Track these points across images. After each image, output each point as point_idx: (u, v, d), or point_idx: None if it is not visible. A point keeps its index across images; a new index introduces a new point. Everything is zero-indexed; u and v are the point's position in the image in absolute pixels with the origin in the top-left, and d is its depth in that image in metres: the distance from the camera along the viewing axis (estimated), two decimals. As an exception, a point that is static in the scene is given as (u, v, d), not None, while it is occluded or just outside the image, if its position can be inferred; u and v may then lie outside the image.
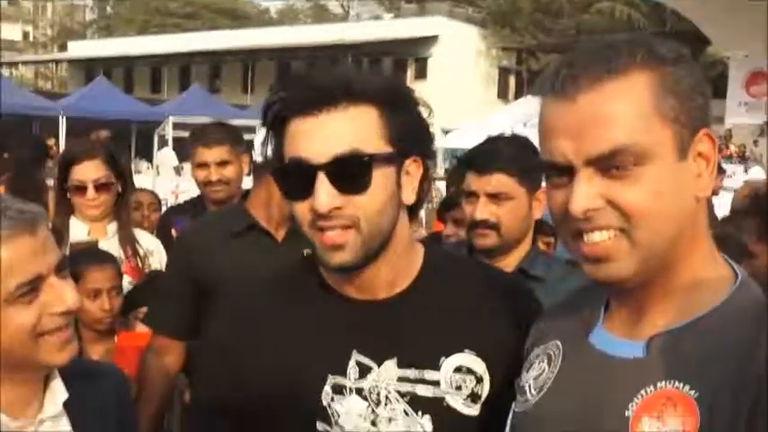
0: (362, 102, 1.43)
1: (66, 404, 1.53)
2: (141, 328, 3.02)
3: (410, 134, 1.48)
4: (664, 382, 1.13)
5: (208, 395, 1.66)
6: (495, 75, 38.44)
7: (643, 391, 1.14)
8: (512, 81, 38.59)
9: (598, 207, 1.16)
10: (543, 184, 2.25)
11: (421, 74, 35.96)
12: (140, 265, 3.31)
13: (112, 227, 3.33)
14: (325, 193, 1.40)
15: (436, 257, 1.61)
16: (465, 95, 34.27)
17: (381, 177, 1.43)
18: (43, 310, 1.41)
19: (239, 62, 40.41)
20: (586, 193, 1.16)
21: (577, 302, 1.38)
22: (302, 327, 1.54)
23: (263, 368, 1.52)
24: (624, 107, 1.14)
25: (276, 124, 1.48)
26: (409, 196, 1.51)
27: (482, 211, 2.42)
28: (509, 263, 2.49)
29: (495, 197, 2.42)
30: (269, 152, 1.53)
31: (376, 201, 1.43)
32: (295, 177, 1.45)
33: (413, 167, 1.50)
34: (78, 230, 3.30)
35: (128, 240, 3.32)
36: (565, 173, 1.18)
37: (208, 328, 1.67)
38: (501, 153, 2.45)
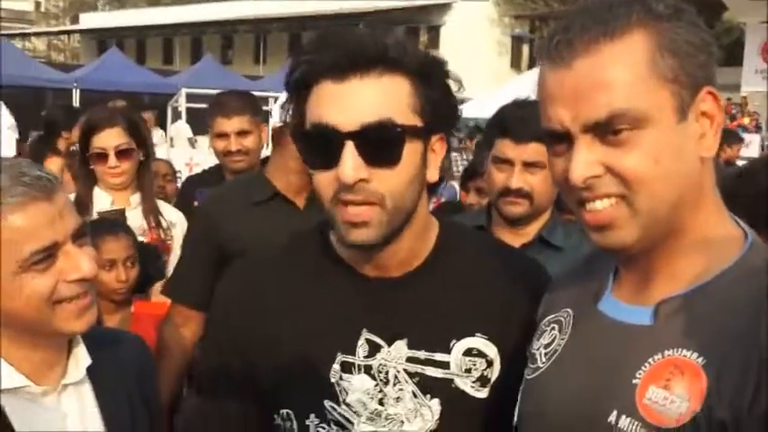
0: (397, 71, 1.37)
1: (88, 370, 1.55)
2: (158, 298, 3.05)
3: (440, 110, 1.42)
4: (671, 350, 1.12)
5: (213, 362, 1.61)
6: (507, 43, 38.07)
7: (651, 360, 1.13)
8: (525, 50, 38.20)
9: (597, 174, 1.15)
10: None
11: (433, 43, 35.66)
12: (163, 236, 3.32)
13: (136, 198, 3.34)
14: (352, 162, 1.33)
15: (451, 235, 1.57)
16: (478, 65, 33.98)
17: (411, 152, 1.38)
18: (59, 277, 1.42)
19: (251, 33, 40.19)
20: (585, 160, 1.14)
21: (587, 270, 1.37)
22: (312, 302, 1.50)
23: (272, 340, 1.48)
24: (620, 71, 1.12)
25: (302, 86, 1.40)
26: (433, 174, 1.45)
27: (518, 179, 2.43)
28: (530, 231, 2.51)
29: (531, 165, 2.42)
30: (288, 117, 1.46)
31: (403, 176, 1.37)
32: (320, 144, 1.37)
33: (438, 145, 1.45)
34: (102, 201, 3.31)
35: (151, 211, 3.32)
36: (564, 140, 1.17)
37: (217, 293, 1.65)
38: (538, 121, 2.46)
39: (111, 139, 3.27)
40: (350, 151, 1.33)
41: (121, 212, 3.24)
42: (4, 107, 9.41)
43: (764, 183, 2.00)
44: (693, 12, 1.16)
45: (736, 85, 21.92)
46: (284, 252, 1.60)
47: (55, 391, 1.50)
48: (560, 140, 1.18)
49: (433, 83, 1.41)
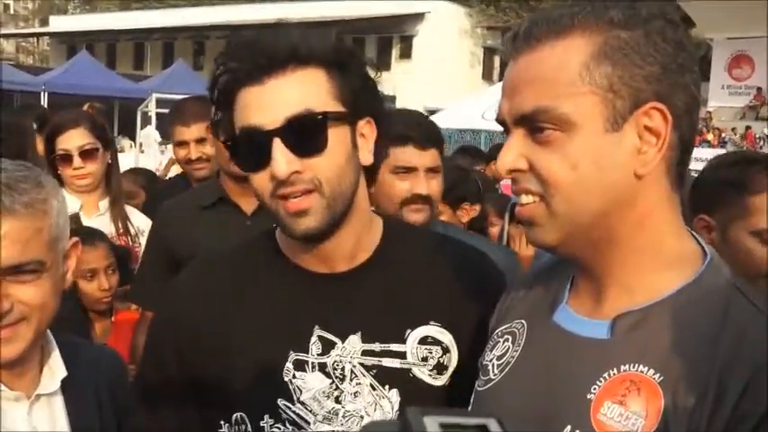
0: (309, 64, 1.41)
1: (63, 383, 1.52)
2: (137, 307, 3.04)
3: (360, 94, 1.45)
4: (628, 366, 1.10)
5: (155, 370, 1.57)
6: (479, 54, 38.32)
7: (606, 374, 1.11)
8: (497, 61, 38.47)
9: (521, 169, 1.15)
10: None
11: (406, 53, 35.80)
12: (131, 242, 3.29)
13: (104, 203, 3.30)
14: (282, 157, 1.37)
15: (396, 228, 1.60)
16: (450, 75, 34.18)
17: (337, 137, 1.41)
18: None
19: (223, 38, 39.99)
20: (511, 152, 1.15)
21: (541, 281, 1.34)
22: (262, 301, 1.49)
23: (223, 340, 1.47)
24: (552, 69, 1.11)
25: (225, 97, 1.44)
26: (366, 157, 1.48)
27: (423, 185, 2.44)
28: None
29: (431, 171, 2.45)
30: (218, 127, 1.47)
31: (334, 161, 1.41)
32: (249, 147, 1.41)
33: (367, 129, 1.48)
34: (70, 205, 3.25)
35: (119, 217, 3.29)
36: (507, 131, 1.18)
37: (161, 300, 1.62)
38: (430, 128, 2.53)
39: (74, 139, 3.21)
40: (278, 147, 1.37)
41: (75, 218, 3.14)
42: None
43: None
44: (672, 22, 1.13)
45: (702, 101, 22.26)
46: (233, 253, 1.61)
47: (27, 400, 1.48)
48: (506, 131, 1.19)
49: (348, 70, 1.44)
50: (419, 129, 2.46)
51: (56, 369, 1.52)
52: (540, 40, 1.13)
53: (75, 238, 1.53)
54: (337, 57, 1.44)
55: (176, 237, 2.69)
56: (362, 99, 1.46)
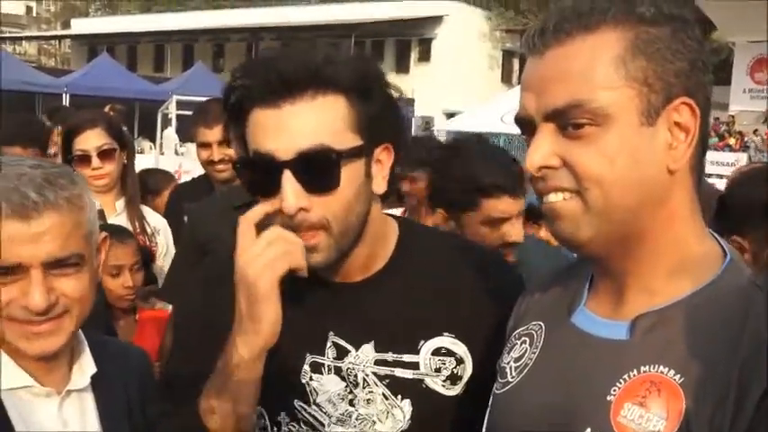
0: (330, 90, 1.35)
1: (92, 378, 1.54)
2: (161, 306, 3.08)
3: (381, 122, 1.40)
4: (648, 367, 1.09)
5: (182, 365, 1.54)
6: (498, 57, 38.24)
7: (626, 376, 1.10)
8: (515, 64, 38.40)
9: (553, 166, 1.13)
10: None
11: (425, 56, 35.78)
12: (148, 242, 3.32)
13: (120, 203, 3.33)
14: (291, 193, 1.33)
15: (411, 235, 1.56)
16: (468, 78, 34.14)
17: (350, 173, 1.36)
18: (14, 296, 1.39)
19: (243, 41, 40.21)
20: (541, 149, 1.13)
21: (560, 282, 1.33)
22: (282, 303, 1.43)
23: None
24: (585, 63, 1.10)
25: (238, 113, 1.39)
26: (380, 185, 1.44)
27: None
28: None
29: None
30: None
31: (345, 199, 1.37)
32: (260, 172, 1.37)
33: (384, 155, 1.44)
34: None
35: (136, 217, 3.31)
36: (532, 129, 1.17)
37: (187, 300, 1.62)
38: None
39: (92, 140, 3.23)
40: (288, 180, 1.33)
41: (101, 214, 3.21)
42: None
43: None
44: (689, 21, 1.14)
45: (724, 105, 22.09)
46: None
47: (58, 396, 1.50)
48: (529, 129, 1.17)
49: (370, 96, 1.38)
50: (511, 177, 2.39)
51: (86, 365, 1.54)
52: (571, 35, 1.12)
53: (104, 233, 1.56)
54: (360, 83, 1.38)
55: (206, 235, 2.71)
56: (382, 126, 1.41)
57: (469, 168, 2.38)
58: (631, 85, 1.09)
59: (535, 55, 1.15)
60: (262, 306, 1.32)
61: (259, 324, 1.33)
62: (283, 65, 1.34)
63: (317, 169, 1.34)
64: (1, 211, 1.35)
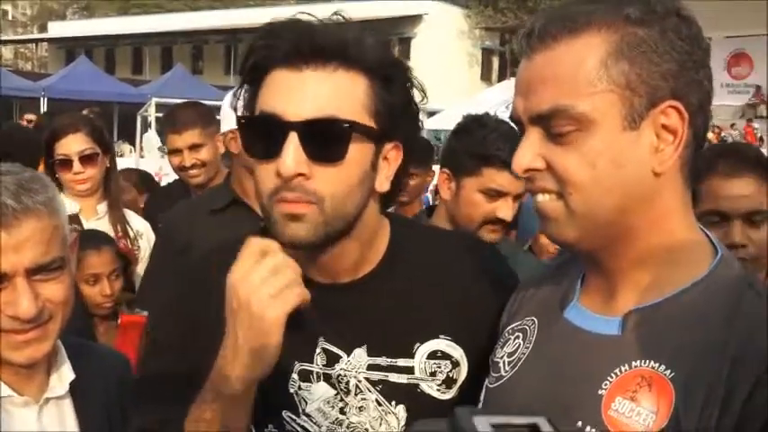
0: (354, 68, 1.31)
1: (70, 384, 1.52)
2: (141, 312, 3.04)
3: (397, 115, 1.35)
4: (638, 362, 1.10)
5: (158, 369, 1.45)
6: (478, 56, 38.35)
7: (617, 370, 1.11)
8: (495, 62, 38.53)
9: (538, 168, 1.15)
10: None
11: (404, 54, 35.77)
12: (130, 246, 3.28)
13: (102, 206, 3.30)
14: (293, 155, 1.27)
15: (403, 236, 1.49)
16: (448, 76, 34.17)
17: (357, 152, 1.31)
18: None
19: (222, 42, 40.05)
20: (527, 151, 1.15)
21: (553, 278, 1.34)
22: None
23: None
24: (569, 68, 1.10)
25: (256, 73, 1.34)
26: (383, 183, 1.38)
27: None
28: None
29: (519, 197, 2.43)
30: (239, 104, 1.38)
31: (346, 177, 1.31)
32: (263, 133, 1.31)
33: (392, 153, 1.38)
34: (68, 209, 3.24)
35: (118, 220, 3.28)
36: (522, 129, 1.18)
37: (164, 299, 1.57)
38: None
39: (74, 144, 3.21)
40: (292, 142, 1.27)
41: (75, 218, 3.13)
42: None
43: None
44: (685, 18, 1.12)
45: (702, 99, 22.20)
46: (228, 257, 1.46)
47: (36, 404, 1.48)
48: (521, 129, 1.18)
49: (392, 86, 1.35)
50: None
51: (64, 372, 1.52)
52: (556, 39, 1.12)
53: (73, 235, 1.53)
54: (386, 69, 1.35)
55: (181, 242, 2.67)
56: (398, 120, 1.36)
57: (482, 137, 2.43)
58: (613, 90, 1.10)
59: (524, 57, 1.16)
60: (267, 340, 1.21)
61: (260, 360, 1.22)
62: (313, 32, 1.32)
63: (325, 137, 1.29)
64: None
